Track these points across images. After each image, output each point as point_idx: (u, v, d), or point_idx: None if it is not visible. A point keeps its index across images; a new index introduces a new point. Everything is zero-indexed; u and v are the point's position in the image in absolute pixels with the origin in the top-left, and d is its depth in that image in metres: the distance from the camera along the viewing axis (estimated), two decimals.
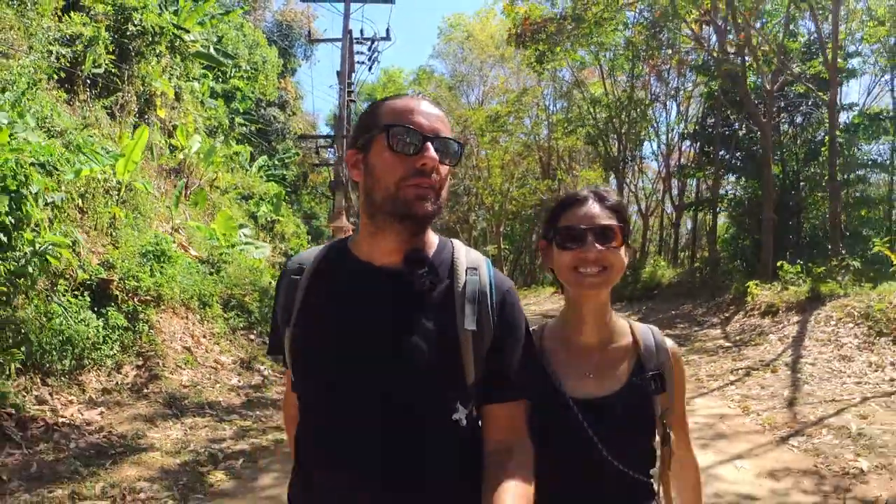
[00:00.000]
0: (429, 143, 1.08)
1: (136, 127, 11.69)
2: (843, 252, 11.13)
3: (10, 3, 9.56)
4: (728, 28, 13.58)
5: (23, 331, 5.08)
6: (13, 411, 4.39)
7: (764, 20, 14.17)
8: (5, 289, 4.89)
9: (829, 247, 11.64)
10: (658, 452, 1.37)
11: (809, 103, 17.56)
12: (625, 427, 1.30)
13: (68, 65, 10.23)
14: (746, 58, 13.75)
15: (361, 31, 19.95)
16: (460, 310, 1.11)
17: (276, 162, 25.01)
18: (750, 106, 13.63)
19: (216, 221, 10.38)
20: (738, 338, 9.42)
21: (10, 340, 4.96)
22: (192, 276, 7.44)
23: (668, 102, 21.87)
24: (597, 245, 1.29)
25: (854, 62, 18.25)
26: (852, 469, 3.98)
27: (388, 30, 18.39)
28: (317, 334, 1.13)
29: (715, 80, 16.00)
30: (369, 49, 18.55)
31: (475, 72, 30.25)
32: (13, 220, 4.73)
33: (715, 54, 14.90)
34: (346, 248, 1.21)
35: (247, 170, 19.64)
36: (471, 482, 1.11)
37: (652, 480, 1.36)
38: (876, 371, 6.61)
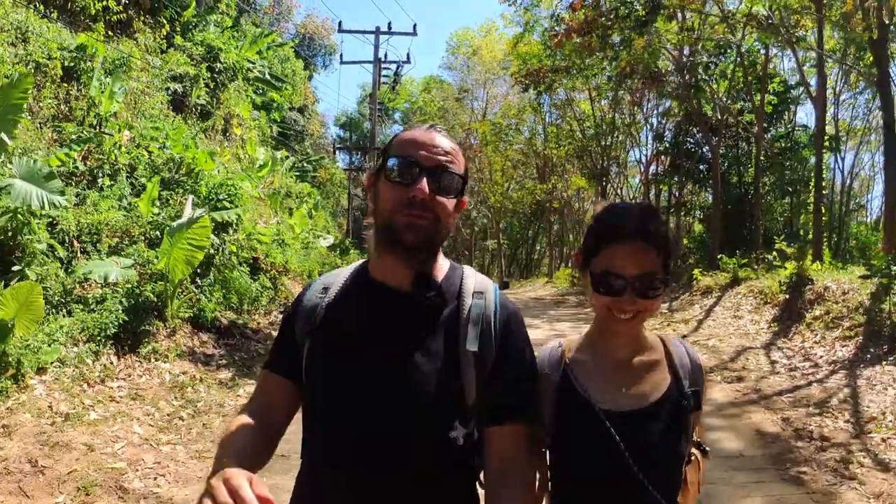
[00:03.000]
0: (424, 176, 1.15)
1: (221, 144, 15.15)
2: (785, 242, 14.68)
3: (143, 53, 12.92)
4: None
5: (228, 286, 8.56)
6: (243, 325, 7.87)
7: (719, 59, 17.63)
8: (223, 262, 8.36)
9: (766, 241, 15.20)
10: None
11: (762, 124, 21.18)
12: (658, 443, 1.25)
13: (179, 97, 13.65)
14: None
15: (385, 55, 23.46)
16: (464, 331, 1.17)
17: (306, 164, 28.50)
18: (704, 132, 17.17)
19: (295, 218, 13.82)
20: (674, 308, 12.99)
21: (224, 292, 8.42)
22: (299, 256, 10.91)
23: (647, 121, 25.36)
24: (636, 297, 1.22)
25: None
26: None
27: (408, 54, 21.85)
28: (331, 348, 1.21)
29: (679, 106, 19.54)
30: (394, 73, 21.94)
31: (479, 84, 33.70)
32: (233, 221, 8.19)
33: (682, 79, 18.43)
34: (365, 268, 1.29)
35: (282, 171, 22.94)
36: (465, 500, 1.20)
37: None
38: (754, 325, 10.12)
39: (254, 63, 17.26)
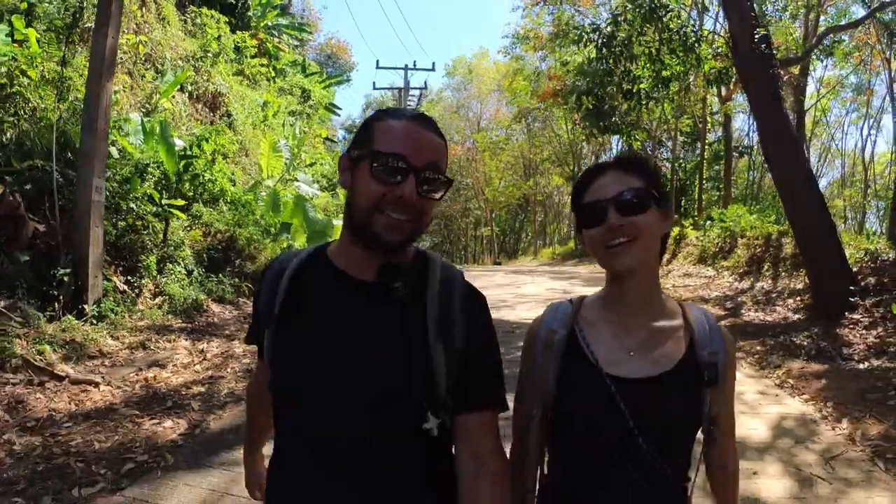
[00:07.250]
0: (412, 176, 1.09)
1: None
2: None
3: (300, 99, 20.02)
4: None
5: None
6: None
7: None
8: None
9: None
10: (694, 452, 1.26)
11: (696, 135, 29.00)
12: (666, 414, 1.19)
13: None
14: None
15: (408, 83, 30.74)
16: (432, 322, 1.14)
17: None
18: (645, 141, 24.85)
19: None
20: None
21: None
22: None
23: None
24: (620, 215, 1.18)
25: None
26: None
27: (425, 82, 29.20)
28: (295, 341, 1.17)
29: None
30: (418, 100, 29.35)
31: (474, 98, 41.22)
32: None
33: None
34: (325, 255, 1.23)
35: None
36: (439, 492, 1.17)
37: (687, 484, 1.25)
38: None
39: (326, 97, 24.44)
